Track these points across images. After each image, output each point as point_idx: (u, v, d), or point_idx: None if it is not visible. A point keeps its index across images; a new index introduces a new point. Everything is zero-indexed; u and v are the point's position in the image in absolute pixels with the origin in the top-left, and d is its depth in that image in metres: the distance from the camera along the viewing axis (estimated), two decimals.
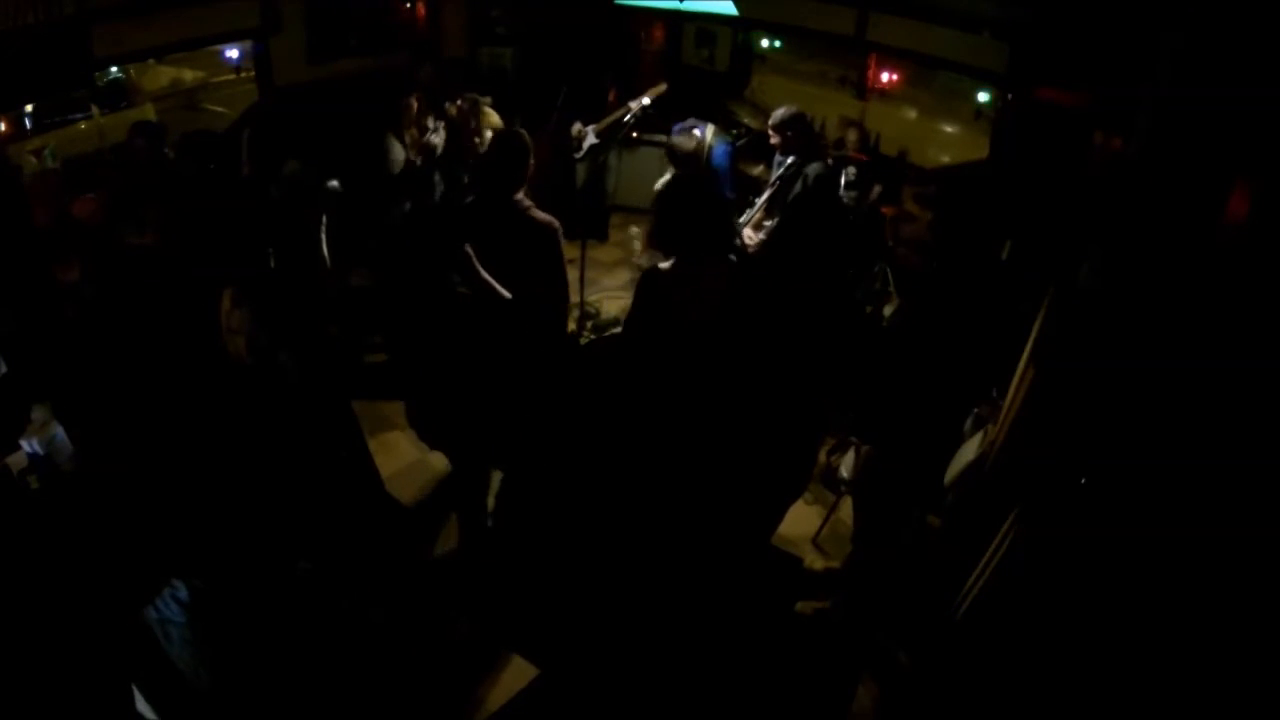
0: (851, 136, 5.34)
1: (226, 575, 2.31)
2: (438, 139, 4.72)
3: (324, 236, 3.80)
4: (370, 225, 4.60)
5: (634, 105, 4.93)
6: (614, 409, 2.53)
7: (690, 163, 4.47)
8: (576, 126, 5.40)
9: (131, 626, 2.20)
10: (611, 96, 5.61)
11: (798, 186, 4.17)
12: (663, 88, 4.93)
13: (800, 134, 4.25)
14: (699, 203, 2.63)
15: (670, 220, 2.63)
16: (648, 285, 2.68)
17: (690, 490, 2.54)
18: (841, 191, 4.58)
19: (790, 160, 4.26)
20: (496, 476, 3.26)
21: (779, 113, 4.23)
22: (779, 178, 4.32)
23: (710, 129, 4.73)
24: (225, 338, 2.39)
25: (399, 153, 4.57)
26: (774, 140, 4.26)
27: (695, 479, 2.53)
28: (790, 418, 2.57)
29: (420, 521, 3.47)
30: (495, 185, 2.85)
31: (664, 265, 2.68)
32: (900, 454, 2.88)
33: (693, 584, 2.71)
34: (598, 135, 5.41)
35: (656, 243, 2.70)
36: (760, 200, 4.40)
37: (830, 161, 4.55)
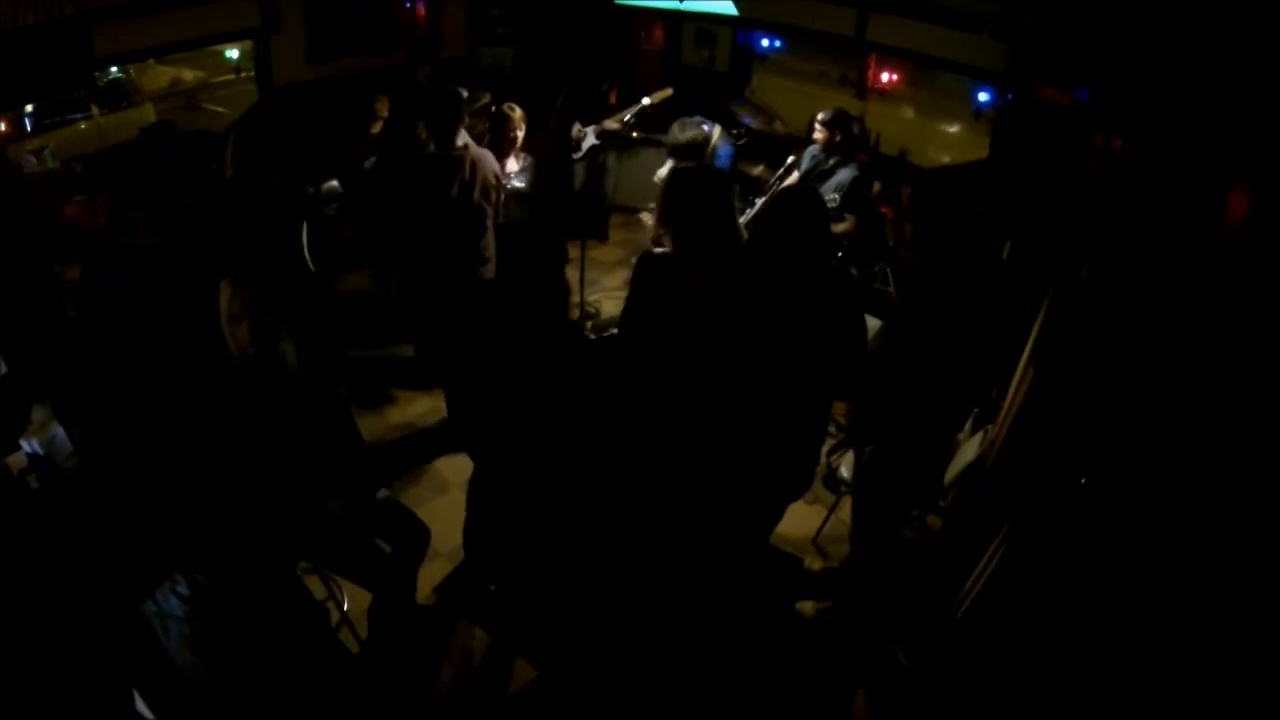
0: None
1: (227, 571, 2.31)
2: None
3: (305, 240, 3.81)
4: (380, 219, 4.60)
5: (636, 107, 4.95)
6: (616, 407, 2.53)
7: (688, 154, 4.48)
8: (576, 127, 5.40)
9: (130, 622, 2.20)
10: (612, 97, 5.61)
11: (831, 183, 4.23)
12: (669, 92, 4.95)
13: (847, 135, 4.35)
14: (712, 195, 2.63)
15: (682, 209, 2.63)
16: (644, 273, 2.69)
17: (692, 487, 2.54)
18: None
19: (824, 157, 4.35)
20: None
21: (829, 111, 4.33)
22: (810, 169, 4.36)
23: (718, 129, 4.74)
24: (228, 329, 2.38)
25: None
26: (819, 135, 4.31)
27: (698, 476, 2.53)
28: (795, 414, 2.57)
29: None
30: (437, 134, 3.66)
31: (659, 251, 2.69)
32: (899, 454, 2.87)
33: (692, 583, 2.71)
34: (597, 136, 5.42)
35: (665, 224, 2.71)
36: (784, 185, 4.44)
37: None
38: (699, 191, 2.65)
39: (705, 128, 4.58)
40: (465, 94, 5.05)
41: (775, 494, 2.81)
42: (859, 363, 2.65)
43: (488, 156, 3.78)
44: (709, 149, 4.58)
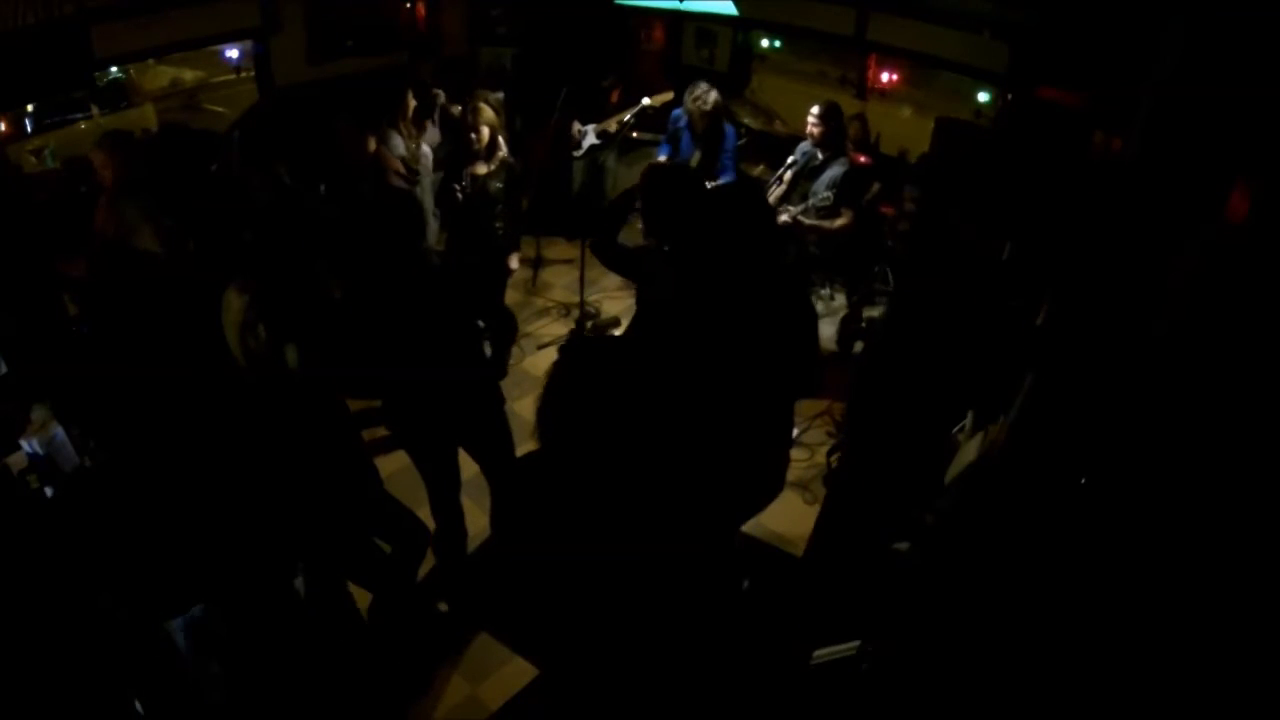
0: (852, 128, 5.33)
1: (233, 579, 2.30)
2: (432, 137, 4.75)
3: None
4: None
5: (636, 108, 4.96)
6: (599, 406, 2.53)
7: (712, 118, 4.51)
8: (576, 126, 5.40)
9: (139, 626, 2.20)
10: (614, 97, 5.62)
11: (824, 179, 4.23)
12: (670, 95, 4.96)
13: (839, 128, 4.37)
14: (682, 192, 2.64)
15: (655, 208, 2.65)
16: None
17: (669, 491, 2.52)
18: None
19: (815, 152, 4.36)
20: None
21: (823, 104, 4.33)
22: (803, 166, 4.37)
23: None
24: (239, 335, 2.36)
25: (399, 146, 4.57)
26: (815, 129, 4.30)
27: (675, 480, 2.51)
28: (763, 416, 2.55)
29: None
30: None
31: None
32: (883, 456, 2.86)
33: (673, 583, 2.69)
34: (598, 135, 5.42)
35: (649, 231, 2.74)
36: (782, 184, 4.46)
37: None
38: (664, 191, 2.66)
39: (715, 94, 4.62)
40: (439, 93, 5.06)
41: (746, 499, 2.78)
42: (814, 361, 2.65)
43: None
44: (720, 110, 4.62)
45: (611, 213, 2.82)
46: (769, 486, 2.79)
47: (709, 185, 4.13)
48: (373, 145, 4.05)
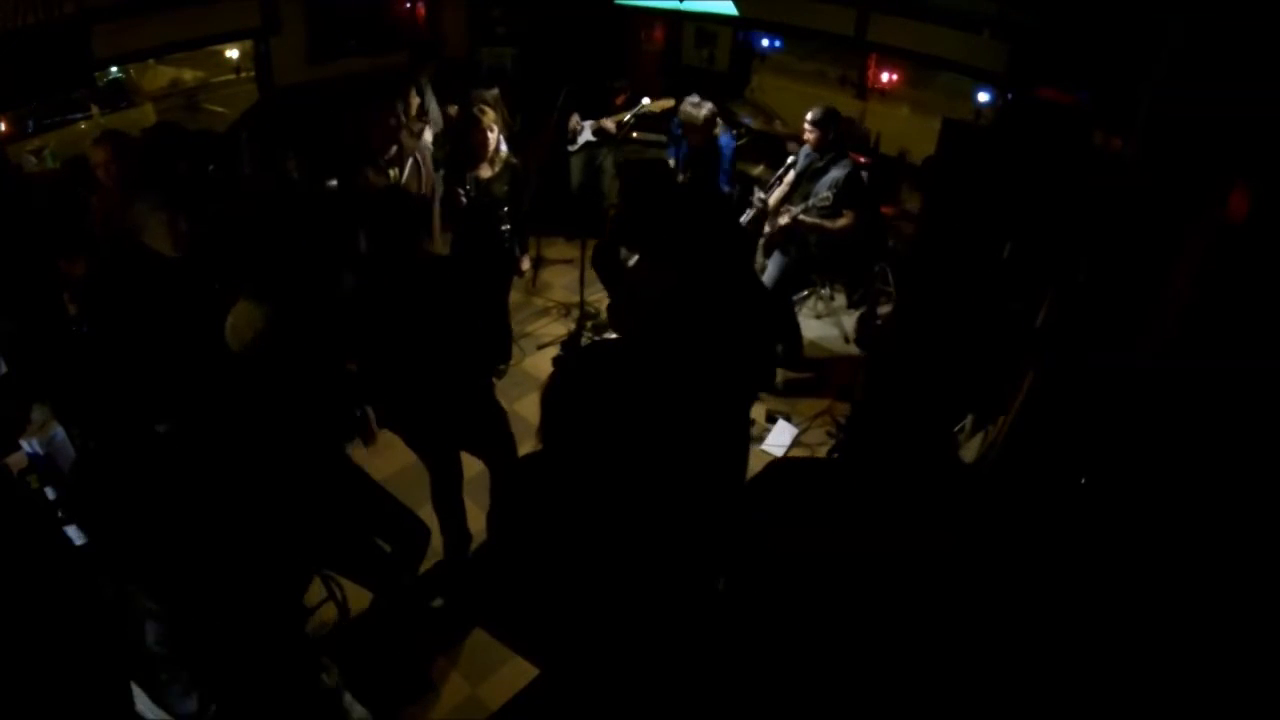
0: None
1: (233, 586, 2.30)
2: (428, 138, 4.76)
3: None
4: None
5: (637, 108, 4.97)
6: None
7: (699, 133, 4.53)
8: (574, 119, 5.42)
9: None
10: (620, 98, 5.63)
11: (825, 181, 4.25)
12: (670, 103, 4.99)
13: (837, 132, 4.37)
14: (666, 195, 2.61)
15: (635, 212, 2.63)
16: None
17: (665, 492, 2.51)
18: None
19: (817, 155, 4.38)
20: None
21: (818, 110, 4.35)
22: (804, 168, 4.40)
23: (719, 121, 4.78)
24: (256, 330, 2.35)
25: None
26: (810, 136, 4.33)
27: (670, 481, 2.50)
28: (726, 416, 2.54)
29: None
30: None
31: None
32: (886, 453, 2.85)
33: (669, 581, 2.69)
34: (594, 133, 5.43)
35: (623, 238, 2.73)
36: (782, 185, 4.49)
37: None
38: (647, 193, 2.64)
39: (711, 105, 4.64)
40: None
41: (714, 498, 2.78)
42: (772, 358, 2.63)
43: None
44: (715, 125, 4.64)
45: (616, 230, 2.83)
46: (731, 488, 2.78)
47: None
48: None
